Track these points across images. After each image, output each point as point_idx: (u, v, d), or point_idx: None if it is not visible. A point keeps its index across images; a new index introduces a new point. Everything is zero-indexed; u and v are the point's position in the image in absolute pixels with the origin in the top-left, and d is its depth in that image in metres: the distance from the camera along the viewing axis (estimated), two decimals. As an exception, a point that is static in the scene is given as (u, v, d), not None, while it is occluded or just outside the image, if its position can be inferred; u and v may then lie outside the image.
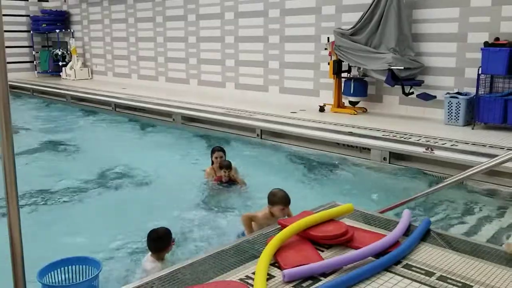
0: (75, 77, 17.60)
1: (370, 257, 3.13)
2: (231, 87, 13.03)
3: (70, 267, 2.75)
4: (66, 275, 2.73)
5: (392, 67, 8.71)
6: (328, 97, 10.45)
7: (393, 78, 8.80)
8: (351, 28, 9.59)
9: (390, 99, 9.67)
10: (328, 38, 10.02)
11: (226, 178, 5.84)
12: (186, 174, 6.53)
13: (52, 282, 2.69)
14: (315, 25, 10.93)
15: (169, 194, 5.87)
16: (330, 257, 3.18)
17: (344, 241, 3.40)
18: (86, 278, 2.71)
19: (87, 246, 4.19)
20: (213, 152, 6.15)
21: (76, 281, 2.72)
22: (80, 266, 2.76)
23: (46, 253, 3.35)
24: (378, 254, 3.16)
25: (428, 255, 3.22)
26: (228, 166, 5.85)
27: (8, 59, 18.71)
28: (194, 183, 6.06)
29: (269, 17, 11.84)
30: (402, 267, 3.04)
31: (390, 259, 3.07)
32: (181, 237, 4.66)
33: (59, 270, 2.75)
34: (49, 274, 2.71)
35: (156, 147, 8.81)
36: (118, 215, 5.31)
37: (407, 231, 3.53)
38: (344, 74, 9.95)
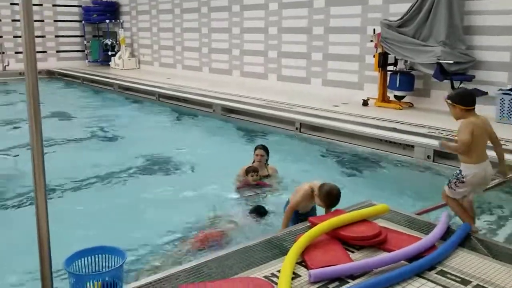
0: (123, 67, 18.02)
1: (402, 261, 2.99)
2: (273, 79, 12.93)
3: (96, 256, 2.78)
4: (92, 264, 2.75)
5: (441, 61, 8.33)
6: (372, 90, 10.15)
7: (442, 72, 8.42)
8: (399, 20, 9.24)
9: (438, 94, 9.27)
10: (374, 29, 9.70)
11: (253, 183, 5.53)
12: (221, 166, 6.50)
13: (79, 271, 2.72)
14: (361, 15, 10.61)
15: (202, 187, 5.87)
16: (360, 259, 3.06)
17: (376, 243, 3.27)
18: (111, 267, 2.73)
19: (116, 235, 4.25)
20: (255, 149, 5.87)
21: (101, 270, 2.74)
22: (106, 256, 2.78)
23: (79, 242, 3.40)
24: (411, 258, 3.01)
25: (465, 262, 3.03)
26: (254, 170, 5.56)
27: (61, 48, 19.47)
28: (228, 177, 5.99)
29: (314, 7, 11.62)
30: (436, 273, 2.88)
31: (423, 264, 2.92)
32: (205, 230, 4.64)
33: (85, 258, 2.78)
34: (76, 262, 2.74)
35: (195, 138, 8.87)
36: (150, 205, 5.37)
37: (445, 235, 3.35)
38: (390, 67, 9.62)
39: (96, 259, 2.77)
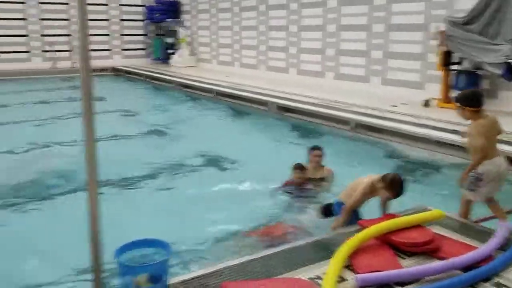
0: (183, 65, 18.45)
1: (456, 270, 2.84)
2: (330, 77, 12.73)
3: (143, 248, 2.85)
4: (140, 256, 2.83)
5: (509, 60, 7.84)
6: (434, 90, 9.73)
7: (511, 72, 7.92)
8: (465, 17, 8.79)
9: (506, 95, 8.73)
10: (438, 27, 9.29)
11: (297, 180, 5.36)
12: (273, 165, 6.47)
13: (128, 262, 2.80)
14: (424, 12, 10.20)
15: (252, 185, 5.88)
16: (410, 266, 2.94)
17: (429, 250, 3.12)
18: (158, 260, 2.79)
19: (170, 229, 4.34)
20: (311, 150, 5.61)
21: (147, 262, 2.81)
22: (152, 248, 2.84)
23: (135, 233, 3.50)
24: (466, 268, 2.85)
25: (526, 275, 2.83)
26: (299, 167, 5.37)
27: (125, 46, 20.23)
28: (280, 176, 5.94)
29: (374, 4, 11.31)
30: (492, 285, 2.71)
31: (478, 274, 2.76)
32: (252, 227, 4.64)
33: (134, 250, 2.87)
34: (125, 253, 2.82)
35: (249, 136, 8.91)
36: (204, 201, 5.45)
37: (505, 246, 3.14)
38: (454, 66, 9.18)
39: (144, 251, 2.84)
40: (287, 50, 14.23)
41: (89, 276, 2.80)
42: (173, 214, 5.04)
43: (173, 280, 2.86)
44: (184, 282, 2.85)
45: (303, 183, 5.45)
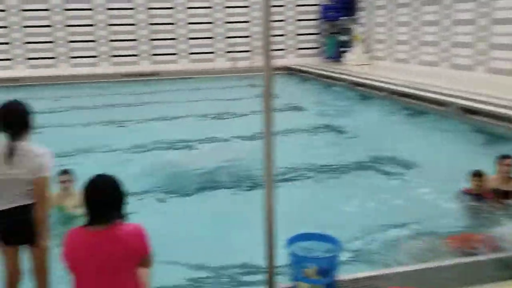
0: (356, 63, 18.21)
1: None
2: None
3: (314, 241, 2.91)
4: (308, 248, 2.90)
5: None
6: None
7: None
8: None
9: None
10: None
11: (477, 190, 4.83)
12: (452, 171, 5.96)
13: (298, 252, 2.89)
14: None
15: (431, 189, 5.51)
16: None
17: None
18: (327, 255, 2.82)
19: (339, 223, 4.36)
20: (499, 158, 5.00)
21: (317, 255, 2.86)
22: (323, 243, 2.88)
23: (306, 226, 3.60)
24: None
25: None
26: (478, 174, 4.83)
27: (299, 46, 20.86)
28: (458, 183, 5.44)
29: None
30: None
31: None
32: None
33: (306, 242, 2.95)
34: (296, 244, 2.92)
35: (424, 137, 8.39)
36: (373, 199, 5.32)
37: None
38: None
39: (315, 245, 2.90)
40: (473, 46, 12.97)
41: (260, 262, 2.97)
42: (346, 211, 5.04)
43: (342, 276, 2.85)
44: (352, 280, 2.83)
45: (484, 193, 4.91)
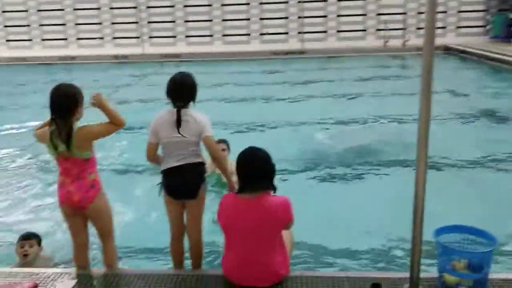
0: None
1: None
2: None
3: (465, 234, 2.74)
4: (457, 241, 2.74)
5: None
6: None
7: None
8: None
9: None
10: None
11: None
12: None
13: (447, 243, 2.75)
14: None
15: None
16: None
17: None
18: (480, 249, 2.65)
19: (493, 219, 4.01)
20: None
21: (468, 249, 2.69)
22: (476, 237, 2.70)
23: (454, 217, 3.41)
24: None
25: None
26: None
27: (460, 23, 19.19)
28: None
29: None
30: None
31: None
32: None
33: (456, 234, 2.79)
34: (446, 235, 2.78)
35: None
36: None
37: None
38: None
39: (468, 238, 2.73)
40: None
41: (407, 246, 2.88)
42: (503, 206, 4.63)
43: (494, 275, 2.65)
44: (507, 280, 2.61)
45: None
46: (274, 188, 2.87)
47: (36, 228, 4.36)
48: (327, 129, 7.97)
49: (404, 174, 5.47)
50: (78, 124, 3.13)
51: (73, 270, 3.42)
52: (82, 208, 3.20)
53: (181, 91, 3.23)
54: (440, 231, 2.79)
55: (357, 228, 4.41)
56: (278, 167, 2.99)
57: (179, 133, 3.15)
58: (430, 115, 2.52)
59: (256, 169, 2.81)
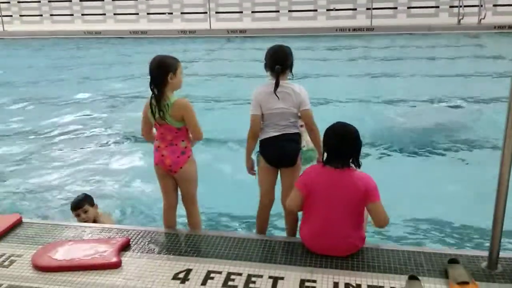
0: None
1: None
2: None
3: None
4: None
5: None
6: None
7: None
8: None
9: None
10: None
11: None
12: None
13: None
14: None
15: None
16: None
17: None
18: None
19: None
20: None
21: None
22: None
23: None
24: None
25: None
26: None
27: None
28: None
29: None
30: None
31: None
32: None
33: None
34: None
35: None
36: None
37: None
38: None
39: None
40: None
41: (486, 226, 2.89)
42: None
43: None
44: None
45: None
46: (359, 165, 2.97)
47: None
48: (399, 107, 7.89)
49: (485, 155, 5.44)
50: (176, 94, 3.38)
51: (162, 229, 3.73)
52: (173, 172, 3.46)
53: (281, 55, 3.33)
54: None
55: (434, 206, 4.44)
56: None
57: (278, 104, 3.27)
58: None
59: (346, 144, 2.91)
